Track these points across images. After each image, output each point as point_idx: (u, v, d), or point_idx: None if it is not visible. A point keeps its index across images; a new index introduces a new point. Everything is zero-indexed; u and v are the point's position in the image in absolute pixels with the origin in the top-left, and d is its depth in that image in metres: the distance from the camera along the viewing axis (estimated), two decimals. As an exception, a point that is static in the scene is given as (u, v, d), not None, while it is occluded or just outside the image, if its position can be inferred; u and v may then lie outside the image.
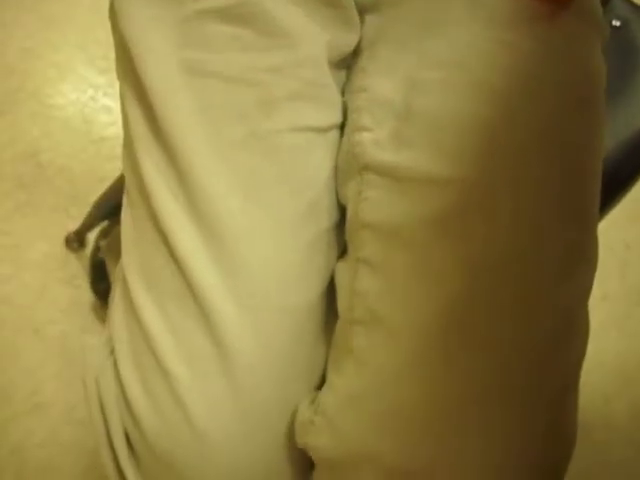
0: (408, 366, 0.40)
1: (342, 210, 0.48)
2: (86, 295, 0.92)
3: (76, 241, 0.93)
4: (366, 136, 0.45)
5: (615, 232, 1.08)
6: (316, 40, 0.46)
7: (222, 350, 0.41)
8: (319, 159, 0.47)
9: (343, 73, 0.50)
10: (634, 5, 0.69)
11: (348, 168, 0.47)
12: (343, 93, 0.50)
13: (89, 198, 0.89)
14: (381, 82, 0.46)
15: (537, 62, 0.44)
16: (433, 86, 0.44)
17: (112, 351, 0.46)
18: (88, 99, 1.10)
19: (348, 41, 0.48)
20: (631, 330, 1.05)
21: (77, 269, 0.94)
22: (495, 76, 0.43)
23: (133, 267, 0.46)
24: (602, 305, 1.05)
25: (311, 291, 0.45)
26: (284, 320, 0.43)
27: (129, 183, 0.47)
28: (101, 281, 0.87)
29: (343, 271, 0.46)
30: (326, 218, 0.47)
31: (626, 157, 0.63)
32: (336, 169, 0.48)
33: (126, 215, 0.48)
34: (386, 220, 0.43)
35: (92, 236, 0.90)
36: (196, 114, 0.43)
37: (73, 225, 0.93)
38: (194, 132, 0.43)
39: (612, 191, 0.62)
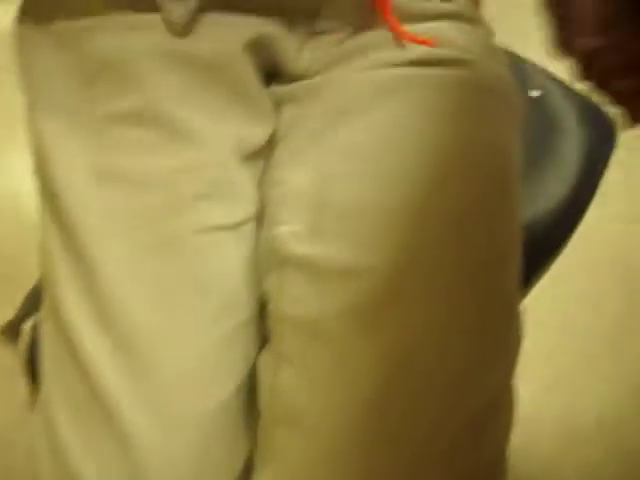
0: (325, 462, 0.39)
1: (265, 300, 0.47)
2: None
3: (10, 333, 0.89)
4: (283, 230, 0.45)
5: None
6: (222, 138, 0.46)
7: (132, 463, 0.40)
8: (230, 256, 0.46)
9: (260, 163, 0.50)
10: (549, 74, 0.70)
11: (267, 261, 0.46)
12: (261, 183, 0.49)
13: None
14: (296, 174, 0.46)
15: (440, 144, 0.44)
16: (342, 177, 0.44)
17: None
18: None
19: (259, 135, 0.48)
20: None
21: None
22: (400, 163, 0.44)
23: (49, 379, 0.45)
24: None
25: (226, 390, 0.44)
26: (196, 423, 0.42)
27: (45, 287, 0.46)
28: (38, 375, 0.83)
29: (265, 366, 0.45)
30: (244, 311, 0.46)
31: (555, 224, 0.64)
32: (256, 261, 0.47)
33: (45, 322, 0.46)
34: (305, 314, 0.43)
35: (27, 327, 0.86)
36: (104, 221, 0.43)
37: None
38: (102, 240, 0.43)
39: (540, 261, 0.62)
